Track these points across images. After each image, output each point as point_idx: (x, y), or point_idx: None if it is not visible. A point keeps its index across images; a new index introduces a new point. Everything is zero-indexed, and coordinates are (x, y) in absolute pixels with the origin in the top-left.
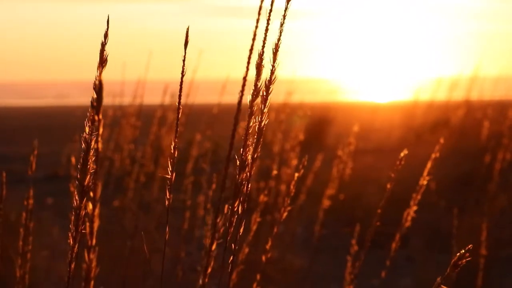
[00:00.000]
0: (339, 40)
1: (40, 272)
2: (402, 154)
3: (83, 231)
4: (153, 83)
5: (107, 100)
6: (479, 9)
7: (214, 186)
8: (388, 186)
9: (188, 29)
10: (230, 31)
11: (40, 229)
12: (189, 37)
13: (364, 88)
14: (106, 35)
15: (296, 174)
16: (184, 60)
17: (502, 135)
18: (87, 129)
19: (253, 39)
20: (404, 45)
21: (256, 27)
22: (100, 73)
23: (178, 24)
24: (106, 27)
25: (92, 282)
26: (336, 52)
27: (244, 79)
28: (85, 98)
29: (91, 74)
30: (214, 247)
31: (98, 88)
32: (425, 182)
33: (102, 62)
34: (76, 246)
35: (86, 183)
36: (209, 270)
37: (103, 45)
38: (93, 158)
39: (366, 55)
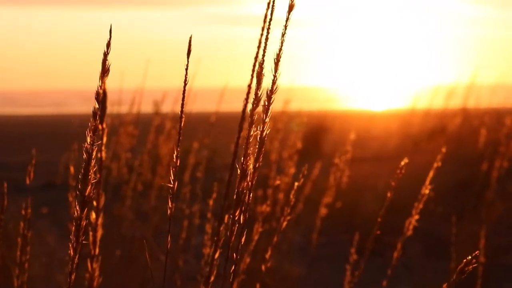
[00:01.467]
0: (336, 48)
1: (37, 281)
2: (402, 163)
3: (84, 241)
4: (151, 91)
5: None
6: (476, 16)
7: (214, 195)
8: (389, 194)
9: (191, 38)
10: (228, 39)
11: (37, 238)
12: (191, 46)
13: (361, 96)
14: (108, 45)
15: (296, 184)
16: (186, 69)
17: (499, 143)
18: (88, 139)
19: (258, 47)
20: (401, 53)
21: (262, 34)
22: (103, 83)
23: (175, 32)
24: (108, 37)
25: None
26: (333, 60)
27: (249, 86)
28: (83, 107)
29: (89, 82)
30: (217, 255)
31: (102, 97)
32: (427, 191)
33: (105, 71)
34: (77, 257)
35: (87, 193)
36: (212, 279)
37: (105, 54)
38: (95, 168)
39: (363, 63)
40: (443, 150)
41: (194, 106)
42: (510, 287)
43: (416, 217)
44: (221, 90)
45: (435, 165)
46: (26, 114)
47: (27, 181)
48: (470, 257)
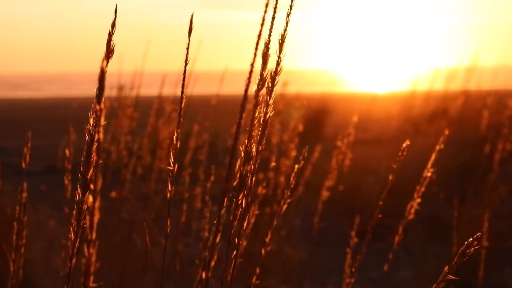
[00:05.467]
0: (338, 31)
1: (37, 265)
2: (404, 145)
3: (84, 225)
4: (151, 74)
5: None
6: (477, 0)
7: (212, 178)
8: (390, 177)
9: (192, 16)
10: (228, 23)
11: (37, 222)
12: (193, 25)
13: (363, 79)
14: (113, 25)
15: (296, 166)
16: (188, 48)
17: (501, 125)
18: (91, 121)
19: (262, 24)
20: (403, 35)
21: (265, 12)
22: (107, 63)
23: (175, 16)
24: (114, 17)
25: (92, 277)
26: (334, 43)
27: (252, 65)
28: (85, 90)
29: (96, 66)
30: (218, 239)
31: (100, 77)
32: (429, 174)
33: (109, 52)
34: (78, 241)
35: (89, 176)
36: (213, 263)
37: (110, 35)
38: (95, 151)
39: (364, 46)
40: (446, 132)
41: (195, 89)
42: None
43: (418, 200)
44: (222, 73)
45: (438, 147)
46: (28, 97)
47: (23, 165)
48: (471, 239)
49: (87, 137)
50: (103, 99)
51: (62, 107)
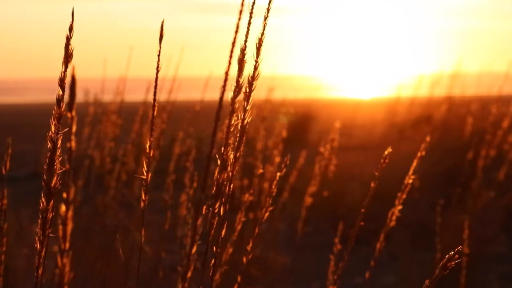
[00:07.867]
0: (322, 37)
1: (20, 272)
2: (386, 152)
3: (51, 234)
4: (135, 80)
5: (87, 97)
6: (461, 6)
7: (195, 184)
8: (372, 184)
9: (163, 22)
10: (213, 28)
11: (19, 227)
12: (164, 31)
13: (347, 85)
14: (71, 28)
15: (279, 174)
16: (159, 55)
17: (485, 132)
18: (53, 127)
19: (236, 32)
20: (387, 41)
21: (239, 18)
22: (66, 68)
23: (160, 21)
24: (71, 20)
25: None
26: (318, 49)
27: (226, 73)
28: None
29: (83, 70)
30: (194, 250)
31: (71, 84)
32: (410, 181)
33: (68, 56)
34: (44, 250)
35: (53, 184)
36: (189, 274)
37: (68, 39)
38: (60, 158)
39: (348, 52)
40: (427, 139)
41: (179, 94)
42: (495, 277)
43: (399, 207)
44: (206, 78)
45: (419, 154)
46: (12, 102)
47: (3, 171)
48: (452, 253)
49: (49, 144)
50: (74, 106)
51: (46, 112)
